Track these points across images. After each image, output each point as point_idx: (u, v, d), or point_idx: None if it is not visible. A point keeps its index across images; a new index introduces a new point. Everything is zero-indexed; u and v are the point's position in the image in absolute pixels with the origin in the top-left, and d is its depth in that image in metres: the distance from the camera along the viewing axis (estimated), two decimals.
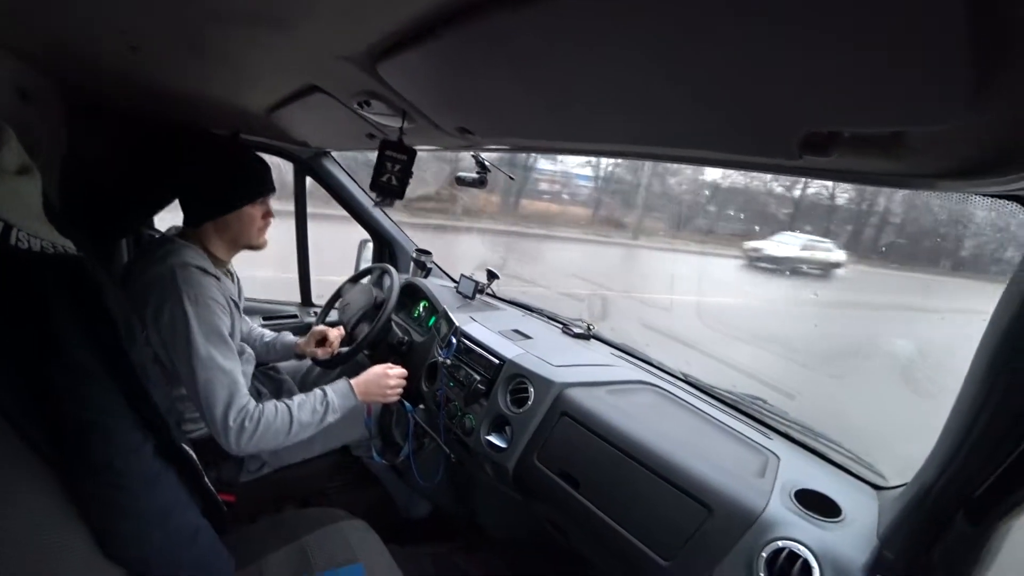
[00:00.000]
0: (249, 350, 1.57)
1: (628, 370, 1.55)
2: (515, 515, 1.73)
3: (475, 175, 1.71)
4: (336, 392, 1.38)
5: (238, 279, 1.51)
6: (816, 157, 0.56)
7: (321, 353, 1.72)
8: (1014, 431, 0.62)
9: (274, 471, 1.56)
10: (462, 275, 2.11)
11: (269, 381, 1.74)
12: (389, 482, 1.96)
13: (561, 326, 1.88)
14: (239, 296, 1.45)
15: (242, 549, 1.11)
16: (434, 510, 2.02)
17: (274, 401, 1.29)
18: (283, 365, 1.83)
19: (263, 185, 1.35)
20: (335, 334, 1.73)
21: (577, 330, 1.82)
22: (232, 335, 1.29)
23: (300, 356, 1.75)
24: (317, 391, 1.36)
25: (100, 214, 1.28)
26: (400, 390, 1.52)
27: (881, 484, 1.09)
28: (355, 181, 2.24)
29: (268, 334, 1.78)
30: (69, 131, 1.23)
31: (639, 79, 0.58)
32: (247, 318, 1.76)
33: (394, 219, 2.39)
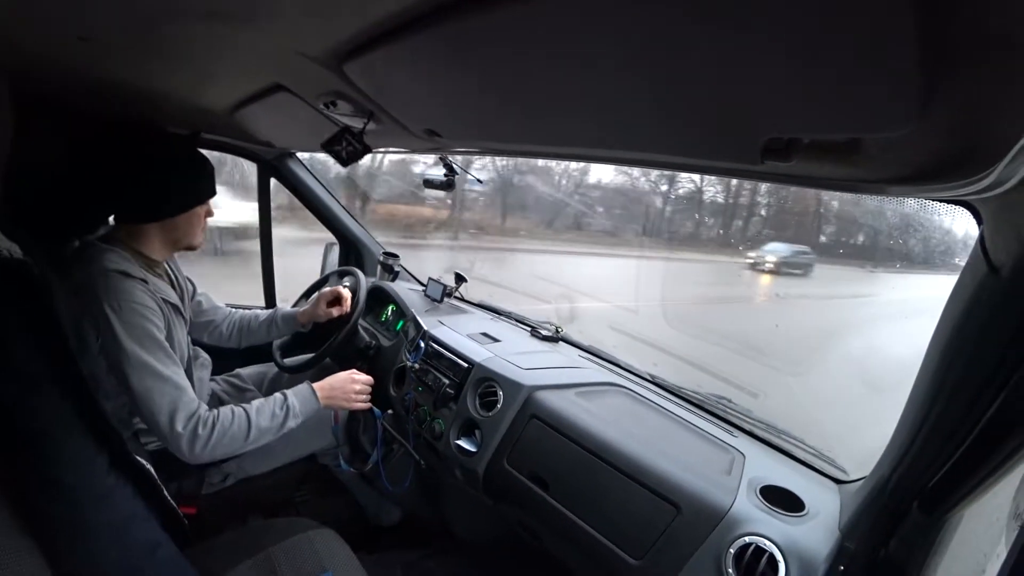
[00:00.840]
0: (204, 355, 1.51)
1: (596, 372, 1.56)
2: (486, 519, 1.73)
3: (443, 178, 1.71)
4: (298, 396, 1.33)
5: (181, 278, 1.44)
6: (777, 162, 0.58)
7: (336, 312, 1.69)
8: (963, 425, 0.65)
9: (238, 482, 1.51)
10: (430, 279, 2.09)
11: (233, 390, 1.69)
12: (358, 489, 1.93)
13: (530, 329, 1.88)
14: (183, 297, 1.38)
15: (206, 563, 1.07)
16: (404, 517, 2.00)
17: (230, 406, 1.24)
18: (247, 373, 1.78)
19: (213, 185, 1.33)
20: (348, 293, 1.69)
21: (545, 333, 1.82)
22: (173, 339, 1.23)
23: (305, 326, 1.72)
24: (277, 395, 1.31)
25: (49, 215, 1.21)
26: (365, 397, 1.48)
27: (842, 478, 1.13)
28: (320, 183, 2.20)
29: (261, 313, 1.73)
30: (15, 125, 1.17)
31: (606, 85, 0.59)
32: (221, 305, 1.70)
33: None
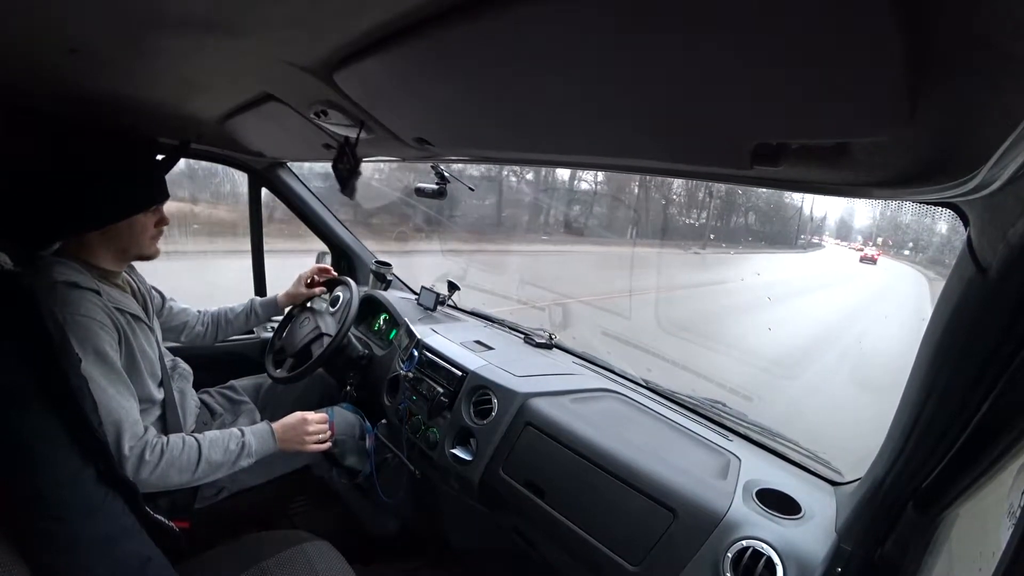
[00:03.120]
0: (183, 366, 1.50)
1: (591, 378, 1.57)
2: (482, 527, 1.72)
3: (434, 186, 1.71)
4: (255, 435, 1.31)
5: (144, 288, 1.41)
6: (767, 167, 0.58)
7: (319, 277, 1.81)
8: (955, 424, 0.65)
9: (232, 495, 1.50)
10: (423, 287, 2.09)
11: (227, 401, 1.67)
12: (353, 500, 1.91)
13: (523, 336, 1.88)
14: (146, 306, 1.35)
15: None
16: (400, 527, 1.98)
17: (182, 435, 1.21)
18: (241, 384, 1.76)
19: (157, 192, 1.28)
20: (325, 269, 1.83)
21: (539, 340, 1.82)
22: (134, 349, 1.20)
23: (293, 306, 1.81)
24: (235, 430, 1.29)
25: (34, 226, 1.20)
26: (319, 438, 1.45)
27: (837, 480, 1.13)
28: (311, 192, 2.19)
29: (236, 306, 1.76)
30: (3, 137, 1.16)
31: (595, 93, 0.59)
32: (188, 307, 1.69)
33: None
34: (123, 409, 1.11)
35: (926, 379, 0.68)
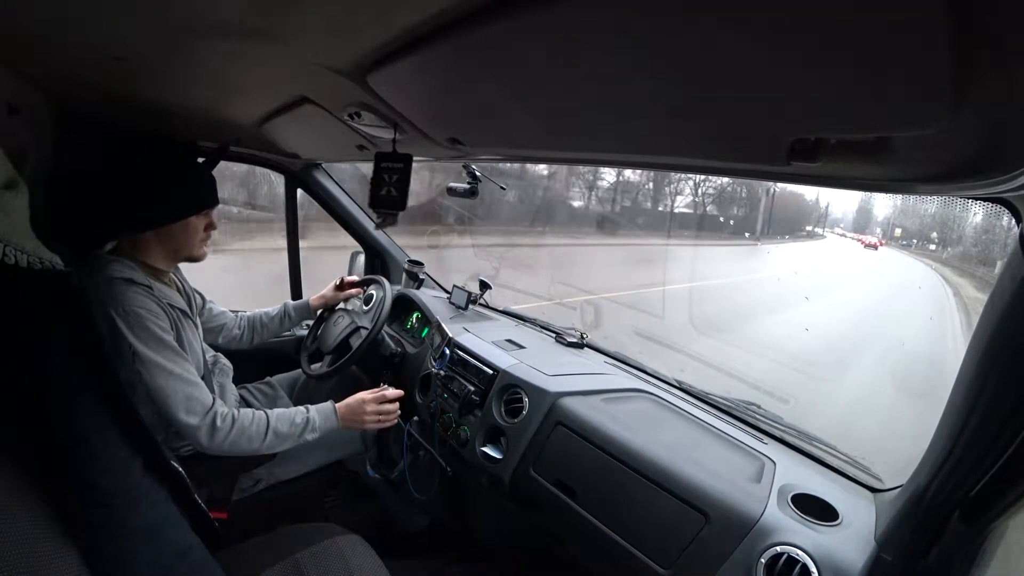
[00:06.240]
0: (224, 361, 1.55)
1: (622, 378, 1.55)
2: (512, 525, 1.72)
3: (466, 185, 1.72)
4: (319, 412, 1.37)
5: (189, 288, 1.48)
6: (804, 163, 0.57)
7: (347, 279, 1.85)
8: (1006, 430, 0.62)
9: (268, 487, 1.54)
10: (455, 286, 2.11)
11: (264, 397, 1.72)
12: (385, 496, 1.94)
13: (554, 335, 1.88)
14: (191, 304, 1.42)
15: (235, 567, 1.09)
16: (431, 523, 2.00)
17: (252, 409, 1.28)
18: (278, 380, 1.81)
19: (210, 197, 1.35)
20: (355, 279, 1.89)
21: (571, 339, 1.82)
22: (184, 342, 1.26)
23: (317, 310, 1.84)
24: (300, 408, 1.36)
25: (85, 228, 1.26)
26: (378, 418, 1.48)
27: (877, 487, 1.10)
28: (346, 192, 2.23)
29: (271, 309, 1.80)
30: (56, 143, 1.22)
31: (629, 89, 0.59)
32: (226, 310, 1.74)
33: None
34: (189, 384, 1.19)
35: (974, 382, 0.65)
